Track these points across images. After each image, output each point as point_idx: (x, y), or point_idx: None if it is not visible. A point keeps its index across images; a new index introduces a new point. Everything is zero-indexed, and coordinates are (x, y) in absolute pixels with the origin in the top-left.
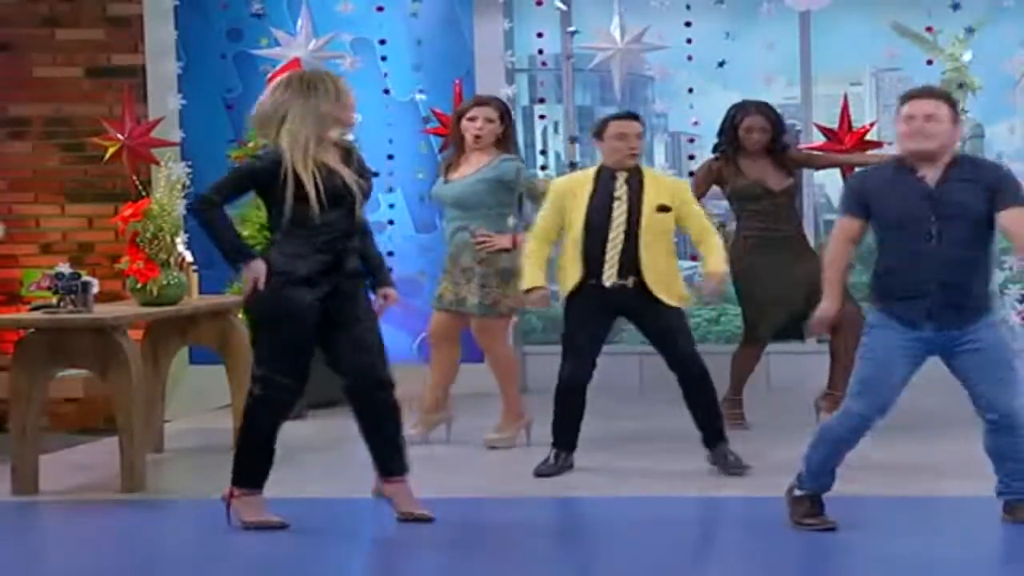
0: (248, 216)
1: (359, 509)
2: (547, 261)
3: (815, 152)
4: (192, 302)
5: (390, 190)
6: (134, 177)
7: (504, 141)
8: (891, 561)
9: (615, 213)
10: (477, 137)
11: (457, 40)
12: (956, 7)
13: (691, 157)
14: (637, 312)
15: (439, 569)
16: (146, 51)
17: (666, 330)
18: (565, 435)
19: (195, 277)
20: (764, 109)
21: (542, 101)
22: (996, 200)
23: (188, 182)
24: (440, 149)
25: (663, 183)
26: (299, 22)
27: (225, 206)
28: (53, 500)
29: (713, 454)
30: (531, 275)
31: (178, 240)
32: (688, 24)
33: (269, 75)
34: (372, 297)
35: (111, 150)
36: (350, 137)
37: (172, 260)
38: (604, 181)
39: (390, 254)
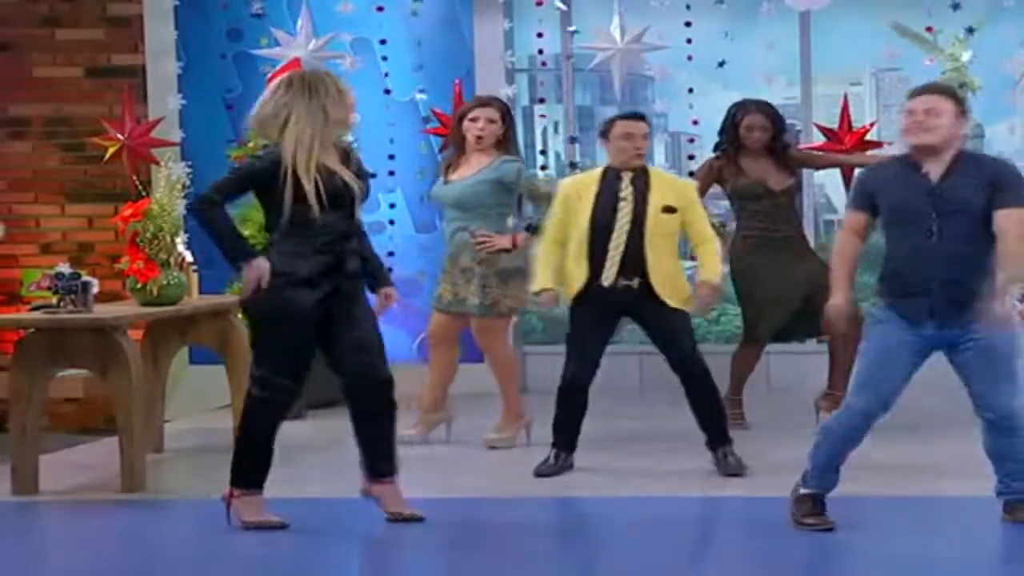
0: (249, 216)
1: (359, 509)
2: (558, 263)
3: (815, 152)
4: (192, 302)
5: (390, 190)
6: (134, 177)
7: (505, 142)
8: (891, 561)
9: (620, 214)
10: (479, 138)
11: (457, 40)
12: (956, 7)
13: (691, 157)
14: (641, 312)
15: (439, 569)
16: (146, 51)
17: (670, 331)
18: (565, 435)
19: (195, 277)
20: (765, 108)
21: (542, 101)
22: (996, 197)
23: (188, 182)
24: (440, 149)
25: (669, 184)
26: (299, 22)
27: (225, 206)
28: (53, 500)
29: (714, 455)
30: (541, 277)
31: (178, 240)
32: (688, 24)
33: (269, 75)
34: (371, 297)
35: (111, 150)
36: (349, 138)
37: (172, 260)
38: (610, 181)
39: (390, 254)
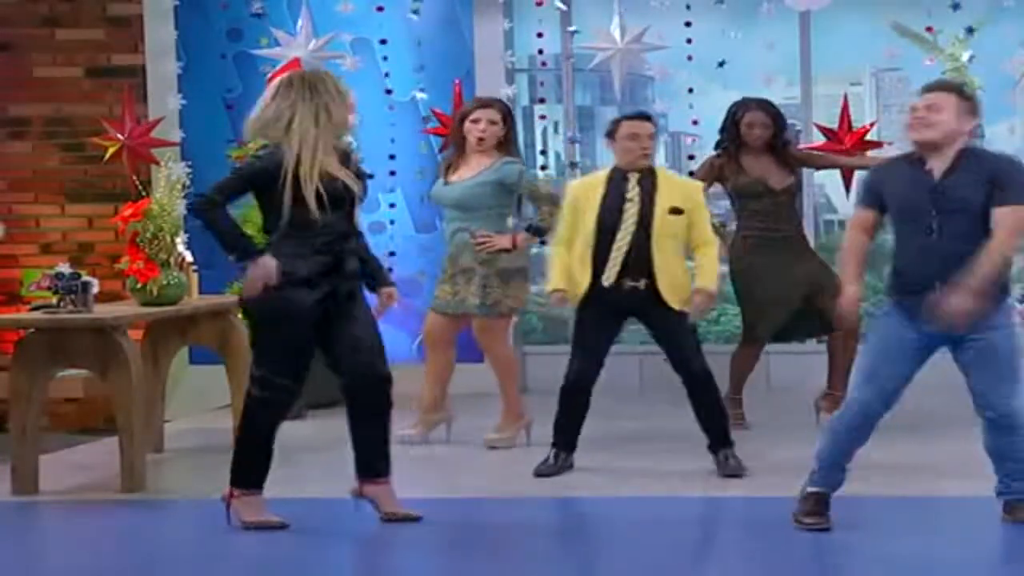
0: (249, 216)
1: (359, 509)
2: (569, 263)
3: (816, 152)
4: (192, 302)
5: (390, 190)
6: (134, 177)
7: (506, 143)
8: (891, 561)
9: (626, 215)
10: (480, 139)
11: (457, 40)
12: (956, 7)
13: (691, 157)
14: (647, 314)
15: (439, 569)
16: (146, 51)
17: (673, 333)
18: (566, 435)
19: (195, 277)
20: (765, 105)
21: (542, 101)
22: (995, 195)
23: (188, 182)
24: (440, 149)
25: (677, 185)
26: (299, 22)
27: (227, 206)
28: (53, 500)
29: (715, 457)
30: (553, 277)
31: (178, 240)
32: (688, 24)
33: (269, 75)
34: (372, 297)
35: (111, 150)
36: (349, 139)
37: (172, 260)
38: (616, 182)
39: (391, 254)
